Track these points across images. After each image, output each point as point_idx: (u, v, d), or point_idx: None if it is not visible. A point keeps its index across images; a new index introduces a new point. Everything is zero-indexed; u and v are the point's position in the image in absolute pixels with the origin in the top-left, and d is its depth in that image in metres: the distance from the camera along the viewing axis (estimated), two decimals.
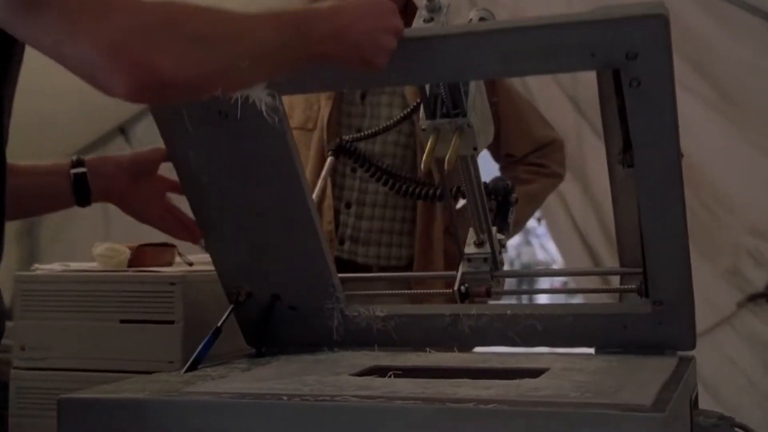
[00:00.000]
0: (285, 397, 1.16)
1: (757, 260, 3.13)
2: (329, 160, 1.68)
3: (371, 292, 1.69)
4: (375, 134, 1.69)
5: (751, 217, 3.18)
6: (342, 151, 1.66)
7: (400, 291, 1.66)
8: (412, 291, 1.65)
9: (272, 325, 1.58)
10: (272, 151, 1.45)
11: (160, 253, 1.74)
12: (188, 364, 1.41)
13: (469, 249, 1.61)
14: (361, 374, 1.33)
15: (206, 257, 1.65)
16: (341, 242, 2.24)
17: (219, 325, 1.49)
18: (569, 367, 1.33)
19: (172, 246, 1.76)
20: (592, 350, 1.51)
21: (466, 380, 1.24)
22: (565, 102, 3.37)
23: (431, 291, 1.65)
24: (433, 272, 2.07)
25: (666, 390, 1.17)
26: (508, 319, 1.51)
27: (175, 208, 1.53)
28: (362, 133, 1.70)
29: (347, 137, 1.68)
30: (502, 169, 2.34)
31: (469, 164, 1.47)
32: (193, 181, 1.50)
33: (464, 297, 1.57)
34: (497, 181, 1.60)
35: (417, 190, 1.63)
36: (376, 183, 1.69)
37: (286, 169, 1.46)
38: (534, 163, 2.30)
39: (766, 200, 3.16)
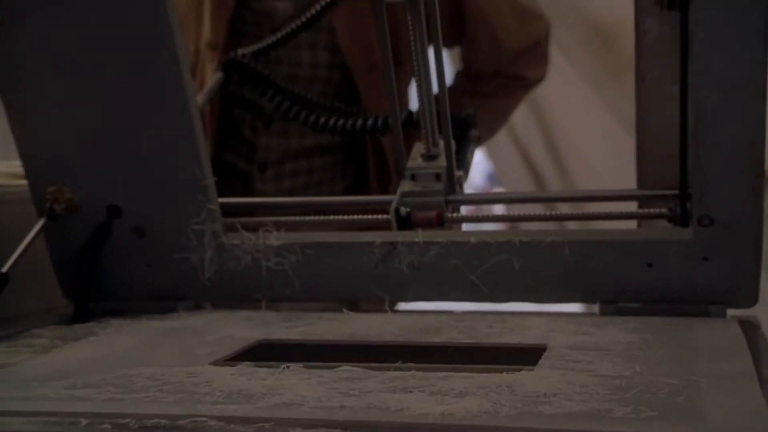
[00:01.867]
0: (83, 421, 0.63)
1: None
2: (216, 76, 1.17)
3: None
4: (282, 42, 1.18)
5: None
6: (234, 67, 1.16)
7: (301, 217, 1.12)
8: (317, 217, 1.11)
9: (106, 262, 1.04)
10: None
11: None
12: None
13: (415, 162, 1.08)
14: (235, 359, 0.81)
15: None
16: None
17: (5, 269, 0.94)
18: (579, 343, 0.84)
19: None
20: (595, 307, 1.00)
21: (413, 373, 0.74)
22: None
23: (350, 217, 1.11)
24: (362, 196, 1.53)
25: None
26: (470, 252, 1.00)
27: None
28: (265, 43, 1.18)
29: (243, 50, 1.22)
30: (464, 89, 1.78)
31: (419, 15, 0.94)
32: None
33: (404, 224, 1.04)
34: (453, 113, 1.09)
35: (355, 123, 1.12)
36: (293, 121, 1.18)
37: (156, 42, 0.92)
38: (508, 75, 1.75)
39: None
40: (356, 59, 1.64)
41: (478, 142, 1.23)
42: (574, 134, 2.59)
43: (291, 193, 1.64)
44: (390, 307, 1.01)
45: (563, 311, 1.04)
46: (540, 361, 0.78)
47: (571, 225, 1.20)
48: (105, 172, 1.04)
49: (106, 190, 1.05)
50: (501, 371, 0.76)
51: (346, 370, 0.76)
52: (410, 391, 0.69)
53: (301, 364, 0.78)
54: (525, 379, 0.71)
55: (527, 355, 0.82)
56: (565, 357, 0.79)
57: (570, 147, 2.59)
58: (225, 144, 1.66)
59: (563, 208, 1.46)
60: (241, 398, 0.68)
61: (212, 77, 1.39)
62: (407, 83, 1.61)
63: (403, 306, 1.06)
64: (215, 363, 0.80)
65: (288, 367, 0.76)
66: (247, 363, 0.82)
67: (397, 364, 0.77)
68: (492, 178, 4.40)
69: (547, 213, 1.01)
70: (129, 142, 1.02)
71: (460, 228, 1.11)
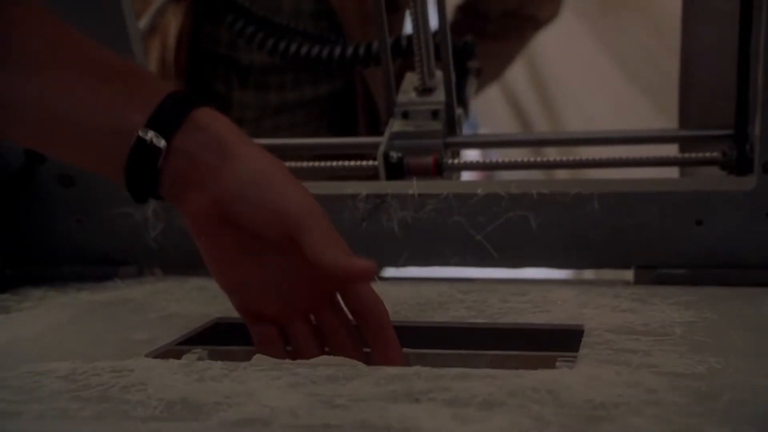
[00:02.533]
0: None
1: None
2: None
3: None
4: None
5: None
6: None
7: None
8: (290, 164, 0.91)
9: (26, 218, 0.85)
10: None
11: None
12: None
13: (407, 97, 0.89)
14: (183, 346, 0.63)
15: None
16: None
17: None
18: (623, 324, 0.66)
19: None
20: (629, 273, 0.82)
21: (418, 370, 0.56)
22: None
23: (330, 164, 0.92)
24: (342, 138, 1.32)
25: None
26: (476, 207, 0.82)
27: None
28: None
29: None
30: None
31: None
32: None
33: (395, 172, 0.85)
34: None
35: (332, 51, 0.93)
36: (260, 49, 0.99)
37: None
38: (518, 15, 1.52)
39: None
40: (345, 8, 1.43)
41: (478, 74, 1.05)
42: (564, 74, 2.40)
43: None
44: (377, 275, 0.83)
45: (585, 279, 0.86)
46: (580, 351, 0.60)
47: (596, 175, 1.01)
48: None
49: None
50: (533, 366, 0.59)
51: (329, 365, 0.58)
52: (417, 400, 0.51)
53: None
54: (569, 379, 0.54)
55: (561, 342, 0.65)
56: (610, 344, 0.61)
57: (559, 88, 2.40)
58: None
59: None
60: (185, 412, 0.49)
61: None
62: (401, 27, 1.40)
63: (391, 273, 0.87)
64: (156, 354, 0.62)
65: (251, 362, 0.58)
66: (198, 352, 0.64)
67: None
68: (472, 124, 4.20)
69: (570, 158, 0.83)
70: None
71: (460, 178, 0.93)
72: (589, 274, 0.85)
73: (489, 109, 2.64)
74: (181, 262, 0.86)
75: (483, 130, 2.63)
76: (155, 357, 0.61)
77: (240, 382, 0.54)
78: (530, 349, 0.66)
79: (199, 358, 0.63)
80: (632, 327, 0.65)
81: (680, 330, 0.64)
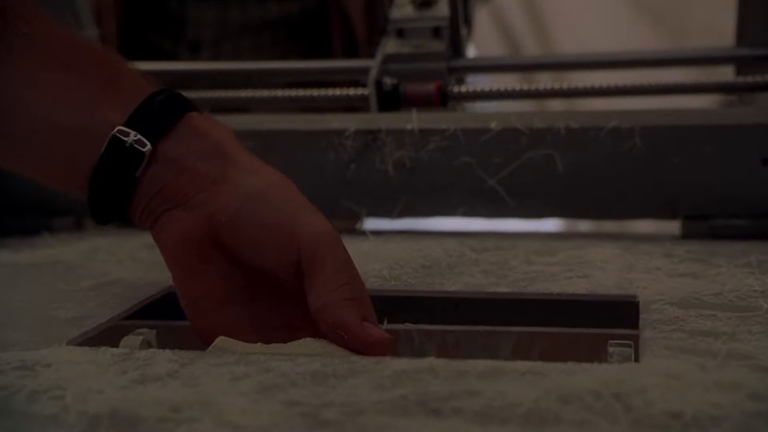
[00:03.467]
0: None
1: None
2: None
3: None
4: None
5: None
6: None
7: (241, 92, 0.78)
8: (264, 92, 0.76)
9: None
10: None
11: None
12: None
13: (402, 11, 0.74)
14: (120, 329, 0.49)
15: None
16: None
17: None
18: (689, 295, 0.53)
19: None
20: (675, 225, 0.69)
21: (432, 361, 0.42)
22: None
23: (310, 92, 0.77)
24: (326, 60, 1.16)
25: None
26: (489, 145, 0.68)
27: None
28: None
29: None
30: None
31: None
32: None
33: (390, 102, 0.71)
34: None
35: None
36: None
37: None
38: None
39: None
40: None
41: None
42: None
43: None
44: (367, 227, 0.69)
45: (622, 233, 0.72)
46: (641, 332, 0.46)
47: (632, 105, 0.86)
48: None
49: None
50: (573, 348, 0.45)
51: (312, 357, 0.44)
52: (435, 411, 0.37)
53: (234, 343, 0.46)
54: (640, 379, 0.40)
55: (609, 317, 0.51)
56: (678, 323, 0.48)
57: (554, 14, 2.25)
58: (143, 17, 1.28)
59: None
60: None
61: None
62: None
63: (386, 225, 0.73)
64: (83, 339, 0.47)
65: (209, 350, 0.44)
66: (143, 332, 0.49)
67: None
68: None
69: (607, 85, 0.68)
70: None
71: (464, 110, 0.79)
72: (611, 224, 0.71)
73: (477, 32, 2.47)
74: None
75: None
76: (81, 344, 0.47)
77: (193, 384, 0.40)
78: (569, 325, 0.52)
79: (144, 342, 0.49)
80: (701, 298, 0.51)
81: (766, 303, 0.50)
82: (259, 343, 0.47)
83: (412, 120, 0.69)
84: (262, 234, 0.47)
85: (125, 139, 0.47)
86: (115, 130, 0.47)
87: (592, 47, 2.10)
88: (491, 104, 0.96)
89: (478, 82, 0.85)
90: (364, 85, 0.74)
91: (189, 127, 0.48)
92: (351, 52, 1.27)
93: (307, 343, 0.47)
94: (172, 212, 0.48)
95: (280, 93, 0.78)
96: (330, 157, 0.70)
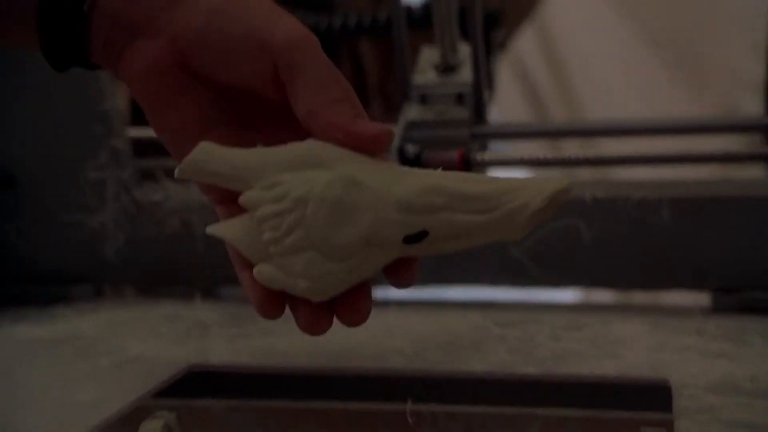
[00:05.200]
0: None
1: None
2: None
3: None
4: None
5: None
6: None
7: None
8: None
9: None
10: None
11: None
12: None
13: (424, 77, 0.74)
14: (142, 412, 0.49)
15: None
16: None
17: None
18: (723, 377, 0.52)
19: None
20: (704, 296, 0.68)
21: None
22: None
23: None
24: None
25: None
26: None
27: None
28: None
29: None
30: None
31: None
32: None
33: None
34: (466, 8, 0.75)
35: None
36: None
37: None
38: None
39: None
40: None
41: (503, 47, 0.90)
42: (581, 47, 2.25)
43: None
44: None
45: (650, 306, 0.72)
46: (677, 423, 0.46)
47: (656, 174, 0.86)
48: None
49: None
50: None
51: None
52: None
53: None
54: None
55: (643, 402, 0.51)
56: (714, 411, 0.47)
57: (575, 63, 2.25)
58: None
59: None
60: None
61: None
62: None
63: (406, 294, 0.73)
64: (102, 429, 0.47)
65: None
66: (163, 415, 0.49)
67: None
68: None
69: (635, 154, 0.68)
70: None
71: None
72: (641, 296, 0.70)
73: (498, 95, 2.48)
74: (145, 282, 0.72)
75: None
76: None
77: None
78: (598, 408, 0.52)
79: (165, 427, 0.48)
80: (736, 383, 0.51)
81: None
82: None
83: None
84: (230, 47, 0.43)
85: None
86: None
87: (621, 105, 2.09)
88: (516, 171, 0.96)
89: (501, 149, 0.85)
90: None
91: None
92: (363, 96, 1.26)
93: (310, 143, 0.43)
94: (133, 44, 0.44)
95: None
96: None
